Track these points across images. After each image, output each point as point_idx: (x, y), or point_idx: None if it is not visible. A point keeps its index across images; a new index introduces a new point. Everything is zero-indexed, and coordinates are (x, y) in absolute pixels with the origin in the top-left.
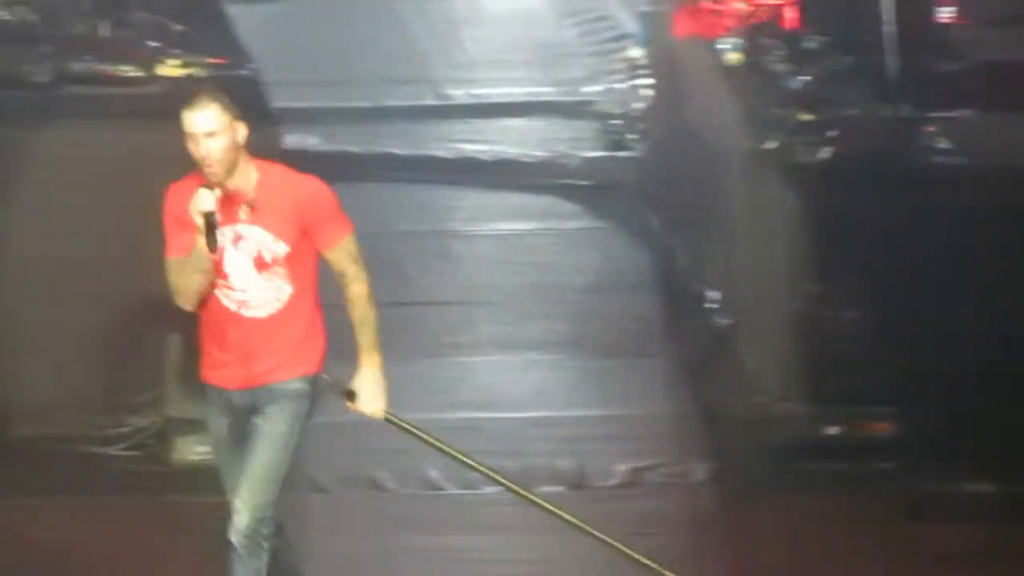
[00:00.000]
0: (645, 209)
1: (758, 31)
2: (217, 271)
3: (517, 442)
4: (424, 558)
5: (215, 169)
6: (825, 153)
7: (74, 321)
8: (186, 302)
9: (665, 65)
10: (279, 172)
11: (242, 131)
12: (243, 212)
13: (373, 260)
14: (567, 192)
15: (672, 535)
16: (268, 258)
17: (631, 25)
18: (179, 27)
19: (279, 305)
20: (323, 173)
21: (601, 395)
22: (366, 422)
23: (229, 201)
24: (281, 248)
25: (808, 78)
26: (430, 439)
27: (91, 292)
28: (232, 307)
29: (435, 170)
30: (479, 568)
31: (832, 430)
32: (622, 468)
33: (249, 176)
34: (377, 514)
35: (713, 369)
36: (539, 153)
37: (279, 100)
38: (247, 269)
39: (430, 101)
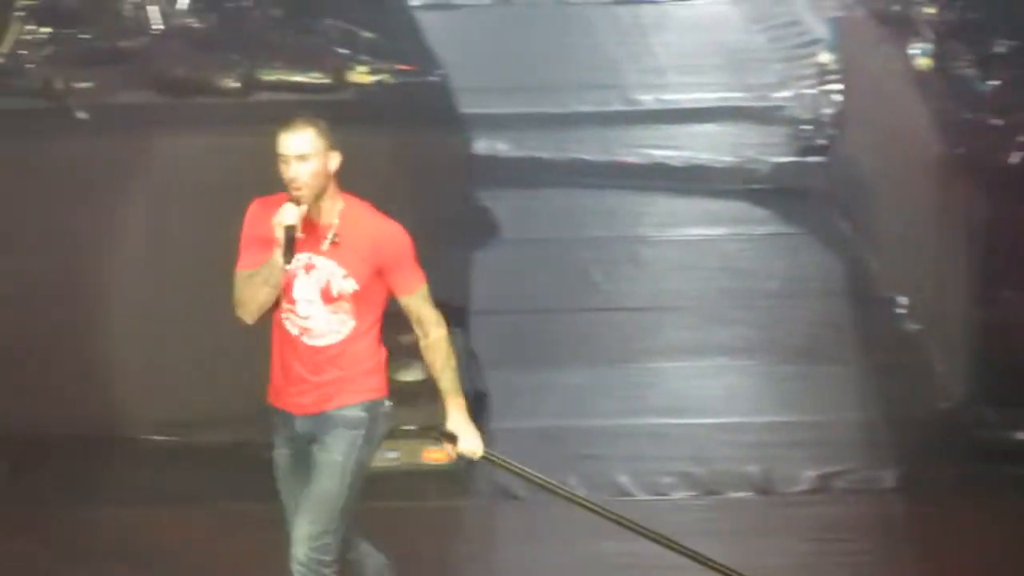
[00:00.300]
0: (835, 214)
1: (947, 36)
2: (287, 296)
3: (705, 447)
4: (613, 565)
5: (302, 193)
6: (1015, 158)
7: (265, 329)
8: (247, 314)
9: (855, 70)
10: (364, 210)
11: (335, 159)
12: (325, 244)
13: (562, 266)
14: (757, 197)
15: (860, 541)
16: (335, 292)
17: (821, 30)
18: (368, 34)
19: (339, 337)
20: (512, 179)
21: (790, 400)
22: (557, 428)
23: (312, 228)
24: (350, 285)
25: (998, 83)
26: (529, 474)
27: None
28: (294, 332)
29: (624, 175)
30: (668, 574)
31: (1021, 435)
32: (810, 474)
33: (334, 207)
34: (567, 520)
35: (902, 374)
36: (729, 158)
37: (468, 106)
38: (314, 298)
39: (619, 107)
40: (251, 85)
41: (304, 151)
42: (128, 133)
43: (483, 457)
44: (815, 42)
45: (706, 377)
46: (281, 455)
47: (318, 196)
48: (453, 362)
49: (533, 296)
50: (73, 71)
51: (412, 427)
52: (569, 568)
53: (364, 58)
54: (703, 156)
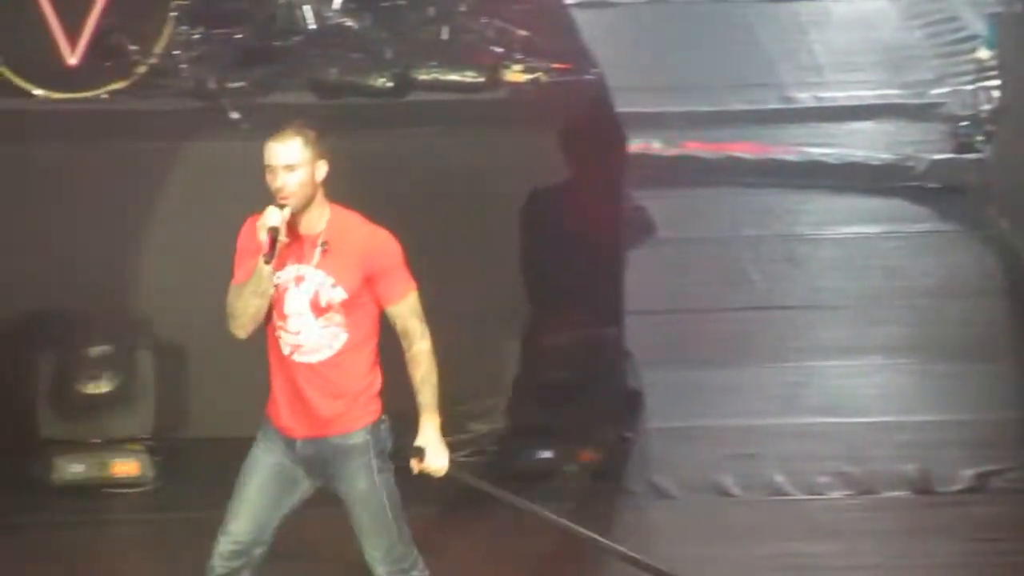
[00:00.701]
0: (992, 211)
1: None
2: (278, 312)
3: (860, 447)
4: (770, 565)
5: (288, 202)
6: None
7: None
8: (239, 328)
9: (1013, 66)
10: (352, 219)
11: (322, 169)
12: (315, 253)
13: (718, 265)
14: (914, 195)
15: (1017, 540)
16: (324, 302)
17: (979, 26)
18: (523, 32)
19: (331, 353)
20: (668, 177)
21: (946, 399)
22: (712, 427)
23: (300, 239)
24: (338, 294)
25: None
26: (497, 492)
27: (438, 298)
28: (286, 351)
29: (781, 174)
30: (824, 574)
31: None
32: (967, 473)
33: (322, 217)
34: (722, 520)
35: None
36: (885, 156)
37: (623, 105)
38: (305, 311)
39: (776, 104)
40: (405, 85)
41: (291, 161)
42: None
43: (449, 475)
44: (973, 38)
45: (862, 376)
46: (263, 459)
47: (305, 206)
48: (433, 378)
49: (689, 295)
50: (227, 71)
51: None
52: (725, 568)
53: (519, 56)
54: (860, 153)
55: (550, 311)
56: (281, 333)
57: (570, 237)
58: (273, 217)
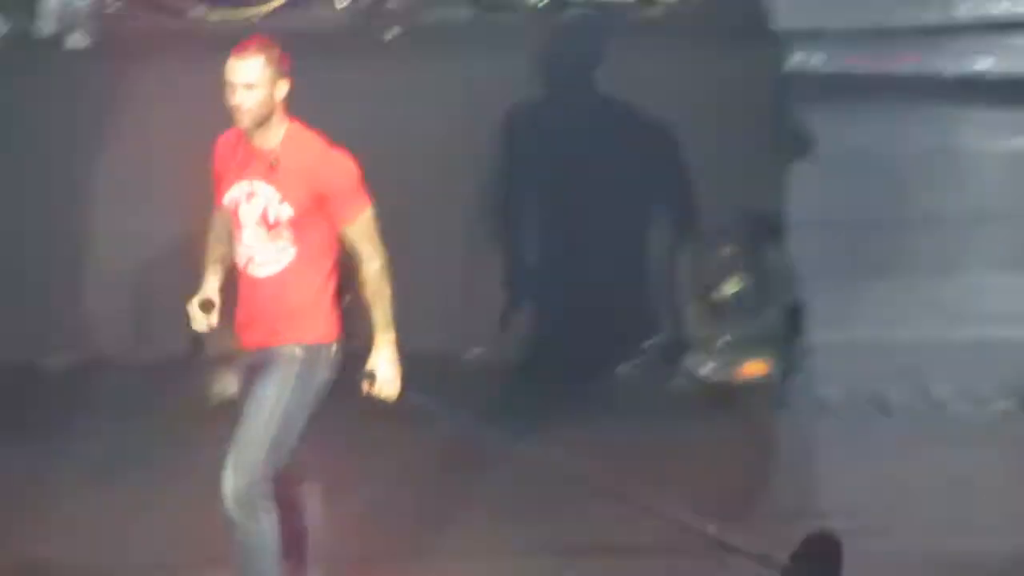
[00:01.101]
0: None
1: None
2: (235, 223)
3: None
4: (932, 477)
5: (244, 120)
6: None
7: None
8: None
9: None
10: (308, 137)
11: (283, 87)
12: (262, 170)
13: (879, 179)
14: None
15: None
16: (272, 218)
17: None
18: None
19: (279, 267)
20: (828, 93)
21: None
22: (875, 341)
23: (254, 155)
24: (286, 211)
25: None
26: (453, 415)
27: (600, 216)
28: (241, 263)
29: (943, 88)
30: (985, 485)
31: None
32: None
33: (278, 133)
34: (885, 434)
35: None
36: None
37: (782, 21)
38: (255, 225)
39: (938, 18)
40: (556, 1)
41: (250, 80)
42: (436, 53)
43: (403, 398)
44: None
45: None
46: (242, 391)
47: (259, 124)
48: (384, 297)
49: (850, 208)
50: None
51: (727, 340)
52: (883, 479)
53: None
54: (1022, 67)
55: (713, 225)
56: (237, 245)
57: (730, 152)
58: (198, 323)
